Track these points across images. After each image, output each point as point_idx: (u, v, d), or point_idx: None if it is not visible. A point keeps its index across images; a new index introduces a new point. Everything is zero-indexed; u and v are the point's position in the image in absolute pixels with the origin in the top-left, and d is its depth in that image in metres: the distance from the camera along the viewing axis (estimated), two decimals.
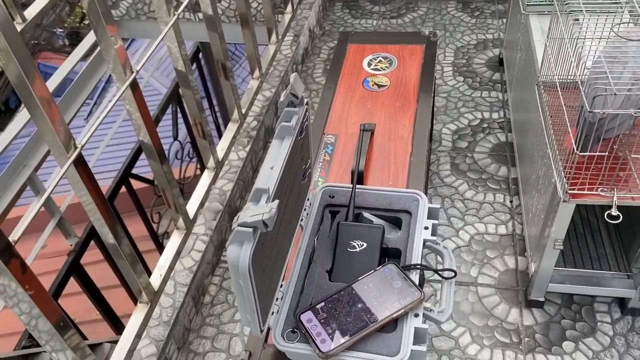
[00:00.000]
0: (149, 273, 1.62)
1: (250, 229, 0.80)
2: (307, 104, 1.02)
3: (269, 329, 1.02)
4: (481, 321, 1.67)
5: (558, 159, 1.26)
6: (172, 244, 1.71)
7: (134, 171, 2.88)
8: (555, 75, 1.31)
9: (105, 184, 2.68)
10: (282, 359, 1.06)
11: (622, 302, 1.63)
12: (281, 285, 1.06)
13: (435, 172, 2.20)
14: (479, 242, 1.91)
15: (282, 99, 0.98)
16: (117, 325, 2.69)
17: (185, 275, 1.72)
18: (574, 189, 1.20)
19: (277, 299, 1.04)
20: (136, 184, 2.94)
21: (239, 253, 0.81)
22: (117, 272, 2.34)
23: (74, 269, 2.44)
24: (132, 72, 1.29)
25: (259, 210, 0.80)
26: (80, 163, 1.10)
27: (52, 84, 2.36)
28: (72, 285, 2.42)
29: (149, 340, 1.55)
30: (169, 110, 3.37)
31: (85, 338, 2.67)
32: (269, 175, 0.90)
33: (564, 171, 1.22)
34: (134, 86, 1.34)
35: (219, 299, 1.85)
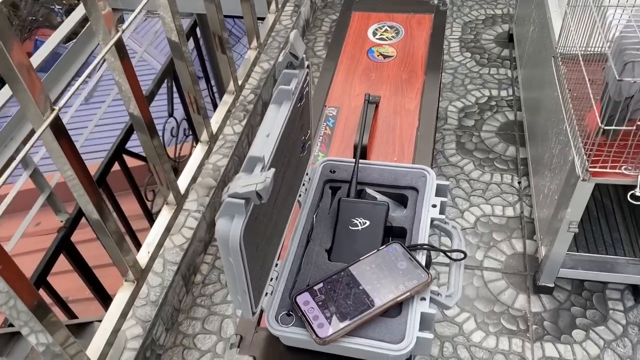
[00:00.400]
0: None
1: (242, 201, 0.72)
2: (308, 66, 0.94)
3: (262, 311, 0.95)
4: (487, 307, 1.61)
5: (578, 135, 1.18)
6: (161, 220, 1.64)
7: (130, 149, 2.79)
8: (576, 46, 1.23)
9: (98, 163, 2.60)
10: (276, 344, 0.99)
11: (635, 289, 1.57)
12: (276, 265, 0.99)
13: (440, 150, 2.13)
14: (485, 224, 1.84)
15: (280, 59, 0.89)
16: (109, 304, 2.63)
17: (176, 253, 1.65)
18: (595, 167, 1.12)
19: (271, 278, 0.97)
20: (130, 162, 2.86)
21: (229, 227, 0.73)
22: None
23: (64, 246, 2.37)
24: (118, 31, 1.20)
25: (252, 180, 0.72)
26: (58, 129, 1.02)
27: (39, 57, 2.25)
28: (65, 263, 2.36)
29: (135, 320, 1.48)
30: (164, 86, 3.28)
31: (75, 317, 2.61)
32: (264, 142, 0.82)
33: (584, 148, 1.14)
34: (121, 50, 1.25)
35: (211, 279, 1.78)
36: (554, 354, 1.49)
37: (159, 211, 3.22)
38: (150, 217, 3.18)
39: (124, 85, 1.33)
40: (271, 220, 0.91)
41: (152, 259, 1.57)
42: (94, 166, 2.40)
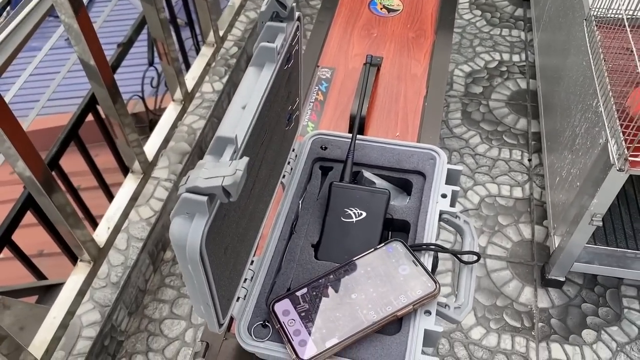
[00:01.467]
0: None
1: (205, 198, 0.56)
2: (298, 18, 0.77)
3: (232, 318, 0.81)
4: (489, 300, 1.49)
5: (615, 117, 1.03)
6: (124, 192, 1.48)
7: None
8: (620, 8, 1.06)
9: (71, 111, 2.42)
10: (249, 356, 0.85)
11: None
12: (252, 262, 0.84)
13: (443, 120, 1.96)
14: (490, 205, 1.71)
15: (263, 8, 0.72)
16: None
17: (142, 228, 1.49)
18: (637, 156, 0.97)
19: (245, 279, 0.82)
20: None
21: (187, 231, 0.58)
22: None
23: (32, 202, 2.21)
24: None
25: (219, 171, 0.56)
26: None
27: None
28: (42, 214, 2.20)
29: (93, 304, 1.34)
30: (145, 32, 3.07)
31: (44, 277, 2.47)
32: (239, 117, 0.66)
33: (624, 133, 0.99)
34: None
35: None
36: (561, 356, 1.38)
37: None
38: (127, 171, 3.02)
39: (80, 36, 1.14)
40: (246, 212, 0.76)
41: (114, 233, 1.41)
42: (66, 117, 2.24)
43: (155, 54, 3.22)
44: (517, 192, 1.74)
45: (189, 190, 0.56)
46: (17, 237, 1.97)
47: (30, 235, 2.16)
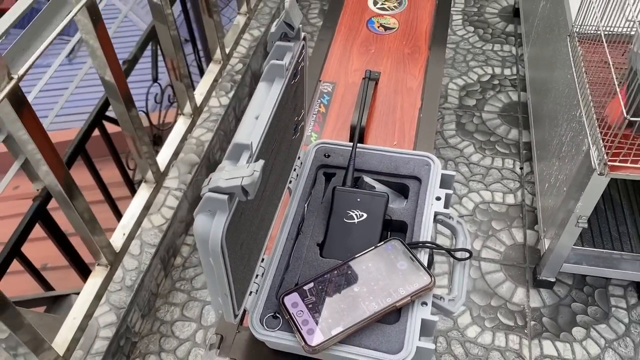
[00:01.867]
0: (121, 218, 1.46)
1: (226, 197, 0.63)
2: (304, 38, 0.84)
3: (244, 311, 0.87)
4: (483, 300, 1.55)
5: (595, 125, 1.10)
6: (138, 200, 1.54)
7: (111, 114, 2.67)
8: (599, 24, 1.13)
9: (78, 127, 2.49)
10: (260, 346, 0.92)
11: (639, 287, 1.51)
12: (262, 260, 0.90)
13: (439, 131, 2.04)
14: (484, 211, 1.77)
15: (273, 29, 0.79)
16: (87, 274, 2.54)
17: (154, 235, 1.56)
18: (614, 161, 1.04)
19: (256, 275, 0.89)
20: (111, 128, 2.74)
21: (209, 226, 0.64)
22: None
23: (40, 216, 2.26)
24: None
25: (238, 173, 0.63)
26: (18, 100, 0.92)
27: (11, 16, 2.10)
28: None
29: (109, 307, 1.40)
30: (149, 49, 3.15)
31: (52, 288, 2.52)
32: (253, 126, 0.73)
33: (604, 139, 1.06)
34: (94, 12, 1.13)
35: (192, 262, 1.70)
36: (552, 352, 1.44)
37: (141, 180, 3.12)
38: (132, 186, 3.08)
39: (98, 51, 1.22)
40: (258, 212, 0.82)
41: (129, 240, 1.48)
42: (72, 132, 2.29)
43: (159, 70, 3.30)
44: (510, 199, 1.81)
45: (212, 190, 0.63)
46: (24, 250, 2.03)
47: (35, 250, 2.22)
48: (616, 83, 1.02)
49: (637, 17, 1.04)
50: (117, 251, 1.41)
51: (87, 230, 1.24)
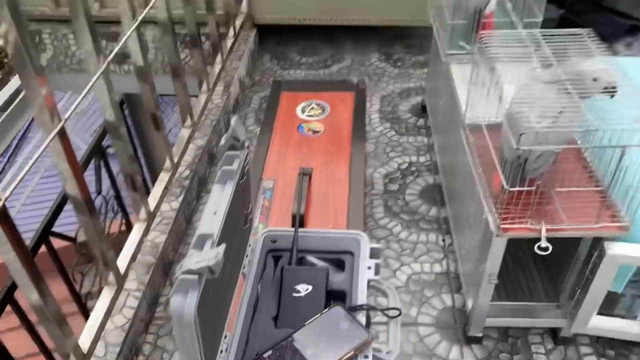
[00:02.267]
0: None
1: (196, 276, 0.76)
2: (247, 147, 1.02)
3: None
4: None
5: (488, 196, 1.32)
6: (102, 302, 1.60)
7: (55, 230, 2.70)
8: (481, 118, 1.39)
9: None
10: None
11: (554, 332, 1.69)
12: (225, 337, 1.01)
13: (369, 214, 2.23)
14: (416, 281, 1.94)
15: (222, 142, 0.96)
16: None
17: (117, 335, 1.61)
18: (505, 223, 1.25)
19: (221, 351, 0.99)
20: (56, 243, 2.75)
21: (183, 303, 0.77)
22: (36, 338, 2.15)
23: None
24: (60, 121, 1.23)
25: (204, 256, 0.77)
26: (3, 218, 1.02)
27: None
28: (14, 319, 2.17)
29: None
30: (91, 165, 3.25)
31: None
32: (212, 220, 0.87)
33: (495, 207, 1.27)
34: (63, 135, 1.27)
35: (154, 359, 1.73)
36: None
37: (87, 293, 3.07)
38: (79, 300, 3.04)
39: (62, 164, 1.34)
40: (220, 293, 0.95)
41: (94, 342, 1.52)
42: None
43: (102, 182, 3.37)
44: (437, 268, 1.99)
45: (184, 272, 0.76)
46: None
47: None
48: (496, 161, 1.25)
49: (504, 109, 1.29)
50: (85, 352, 1.46)
51: (61, 335, 1.29)
